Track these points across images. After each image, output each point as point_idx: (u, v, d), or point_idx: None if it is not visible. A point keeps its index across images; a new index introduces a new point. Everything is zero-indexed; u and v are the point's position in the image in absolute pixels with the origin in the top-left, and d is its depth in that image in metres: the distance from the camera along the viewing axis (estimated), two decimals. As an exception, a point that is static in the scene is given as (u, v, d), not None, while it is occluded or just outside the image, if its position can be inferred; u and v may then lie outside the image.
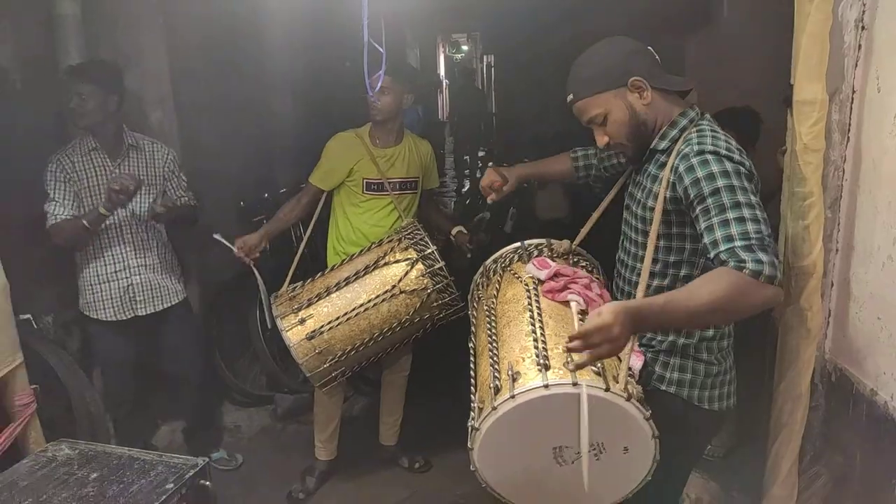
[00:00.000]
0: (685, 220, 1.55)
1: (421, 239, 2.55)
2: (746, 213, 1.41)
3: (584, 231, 1.99)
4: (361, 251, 2.65)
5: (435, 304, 2.52)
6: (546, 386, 1.34)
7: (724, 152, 1.48)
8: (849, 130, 1.74)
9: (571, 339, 1.32)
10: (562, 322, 1.60)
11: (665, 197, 1.55)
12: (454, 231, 2.89)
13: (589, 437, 1.34)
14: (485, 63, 15.38)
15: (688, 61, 4.16)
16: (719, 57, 3.78)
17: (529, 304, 1.66)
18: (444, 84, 15.51)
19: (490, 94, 13.40)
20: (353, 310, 2.45)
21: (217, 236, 2.67)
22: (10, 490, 1.74)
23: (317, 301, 2.49)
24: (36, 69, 2.81)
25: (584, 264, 1.94)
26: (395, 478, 3.05)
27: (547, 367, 1.40)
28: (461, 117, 11.15)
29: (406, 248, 2.54)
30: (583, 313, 1.62)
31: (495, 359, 1.52)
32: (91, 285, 2.71)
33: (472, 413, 1.49)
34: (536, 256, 1.87)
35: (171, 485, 1.74)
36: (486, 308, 1.79)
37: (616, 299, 1.78)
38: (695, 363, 1.64)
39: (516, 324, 1.62)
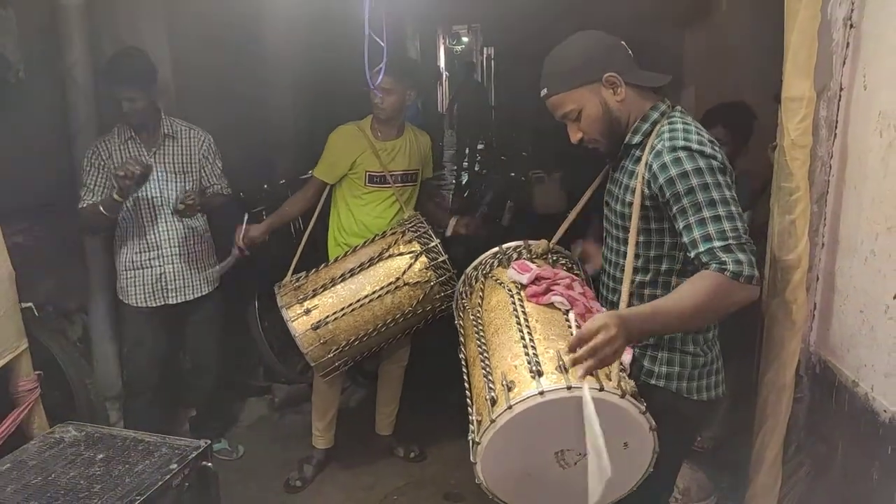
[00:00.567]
0: (663, 214, 1.57)
1: (425, 232, 2.58)
2: (722, 210, 1.44)
3: (561, 229, 1.99)
4: (365, 243, 2.67)
5: (437, 296, 2.55)
6: (541, 393, 1.34)
7: (696, 147, 1.49)
8: (836, 127, 1.76)
9: (572, 347, 1.33)
10: (549, 325, 1.60)
11: (642, 192, 1.57)
12: (452, 222, 2.91)
13: (599, 432, 1.28)
14: (485, 55, 15.27)
15: (686, 55, 4.18)
16: (716, 52, 3.79)
17: (515, 310, 1.65)
18: (444, 76, 15.42)
19: (490, 87, 13.33)
20: (358, 301, 2.48)
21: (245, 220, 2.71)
22: (20, 469, 1.78)
23: (322, 291, 2.51)
24: (40, 60, 2.82)
25: (563, 262, 1.92)
26: (390, 466, 3.10)
27: (540, 374, 1.38)
28: (461, 110, 11.09)
29: (410, 241, 2.57)
30: (570, 314, 1.62)
31: (488, 369, 1.51)
32: (126, 270, 2.74)
33: (471, 427, 1.48)
34: (516, 259, 1.85)
35: (175, 465, 1.78)
36: (472, 318, 1.77)
37: (603, 296, 1.80)
38: (682, 356, 1.65)
39: (504, 331, 1.61)
